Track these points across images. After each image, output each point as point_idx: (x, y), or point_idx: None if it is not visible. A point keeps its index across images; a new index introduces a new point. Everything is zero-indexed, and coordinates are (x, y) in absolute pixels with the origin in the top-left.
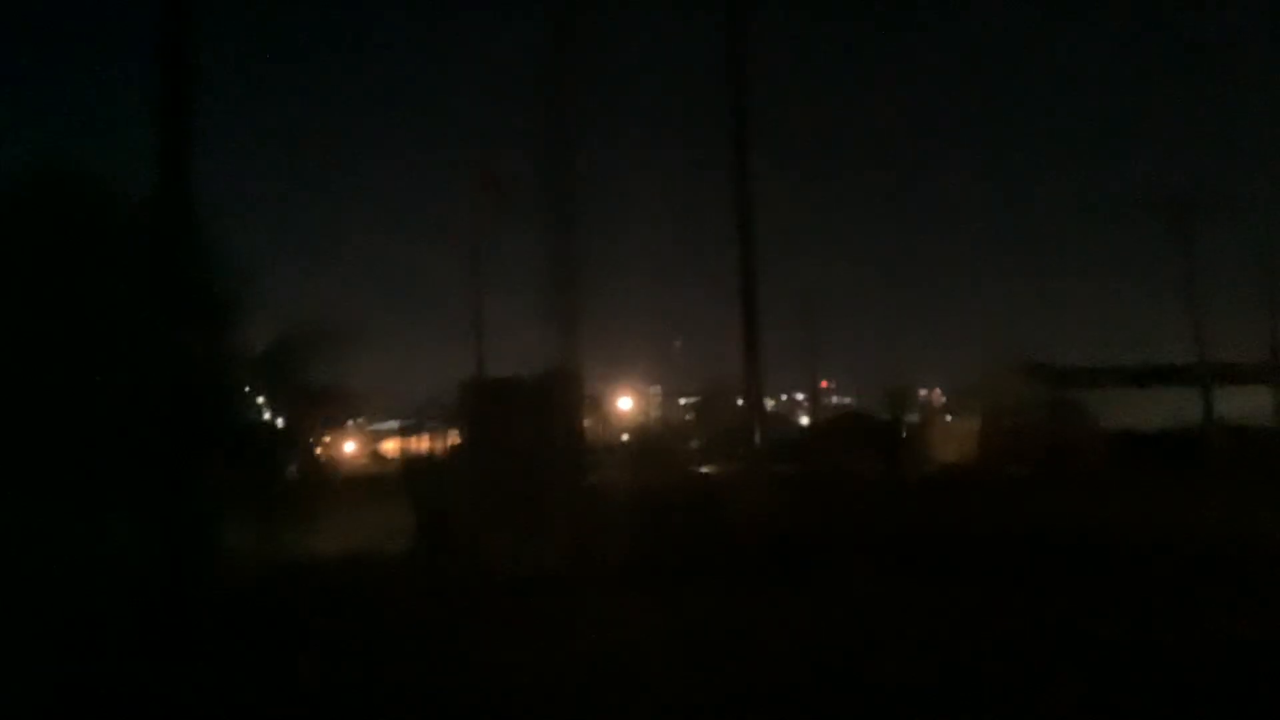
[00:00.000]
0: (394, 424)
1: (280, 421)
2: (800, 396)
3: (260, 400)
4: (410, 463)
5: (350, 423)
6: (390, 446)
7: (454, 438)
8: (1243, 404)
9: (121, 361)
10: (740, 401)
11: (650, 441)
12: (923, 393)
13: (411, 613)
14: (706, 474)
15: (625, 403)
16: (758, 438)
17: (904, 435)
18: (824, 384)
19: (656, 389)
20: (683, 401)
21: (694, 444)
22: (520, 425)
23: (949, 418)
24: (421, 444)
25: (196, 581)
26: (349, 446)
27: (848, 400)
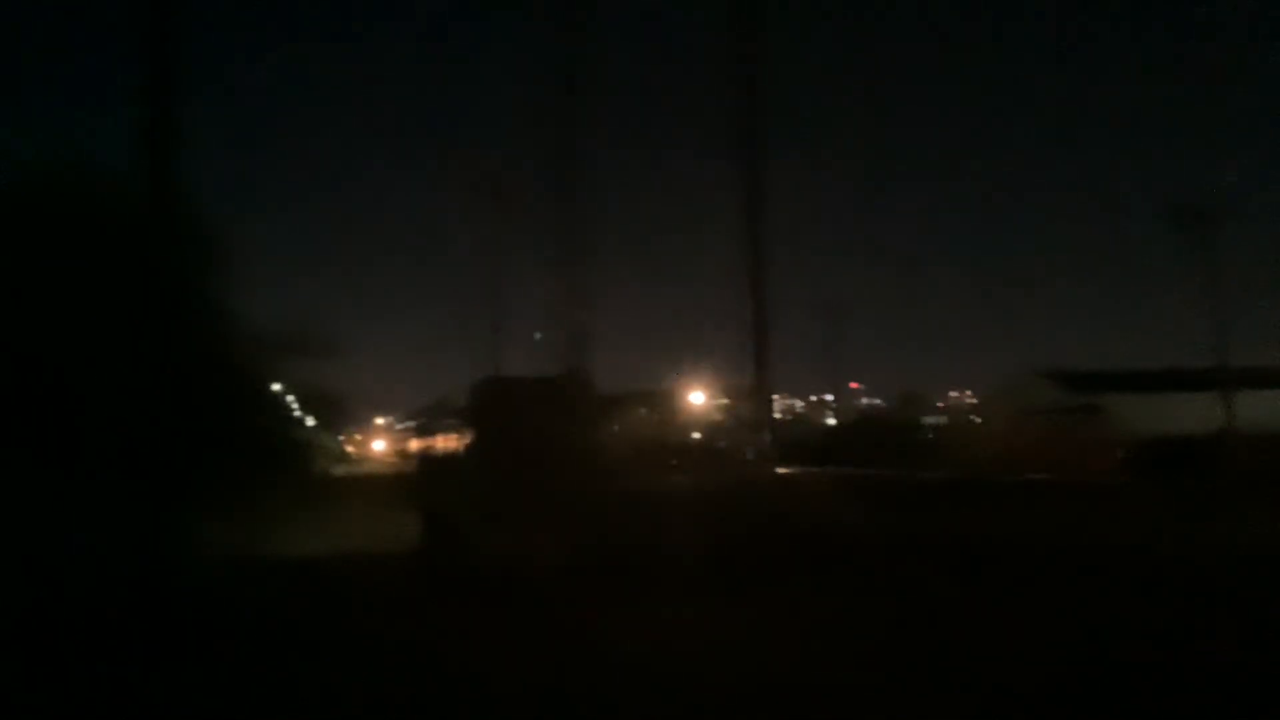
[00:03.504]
0: (412, 423)
1: (310, 421)
2: (829, 397)
3: (290, 400)
4: (421, 463)
5: (379, 421)
6: (416, 445)
7: (467, 437)
8: (1266, 408)
9: (112, 363)
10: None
11: (710, 442)
12: (953, 394)
13: (402, 616)
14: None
15: (697, 398)
16: (767, 439)
17: (926, 438)
18: (854, 385)
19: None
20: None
21: (721, 444)
22: (529, 426)
23: (975, 419)
24: (444, 443)
25: (189, 582)
26: (379, 445)
27: (877, 401)
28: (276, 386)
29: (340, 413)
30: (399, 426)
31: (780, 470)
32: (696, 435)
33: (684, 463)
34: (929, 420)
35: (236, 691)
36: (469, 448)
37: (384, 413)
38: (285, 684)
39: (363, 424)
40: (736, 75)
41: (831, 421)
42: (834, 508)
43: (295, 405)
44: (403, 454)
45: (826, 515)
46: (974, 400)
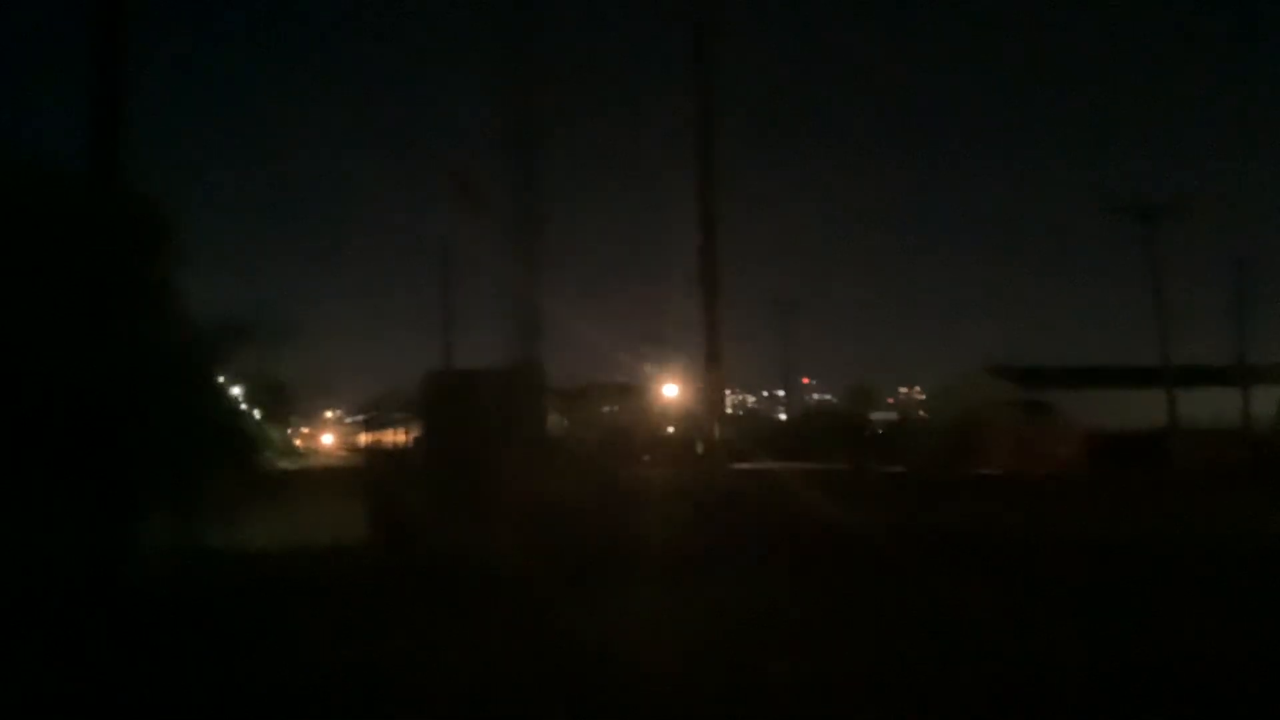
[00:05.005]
0: (362, 417)
1: (257, 414)
2: (780, 392)
3: (236, 392)
4: (370, 456)
5: (327, 415)
6: (365, 438)
7: (415, 430)
8: (1210, 405)
9: (53, 353)
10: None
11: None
12: (902, 390)
13: (344, 607)
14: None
15: (671, 390)
16: (717, 433)
17: (875, 433)
18: (805, 380)
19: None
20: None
21: (678, 438)
22: (479, 418)
23: (922, 414)
24: (393, 437)
25: (126, 580)
26: (327, 439)
27: (828, 396)
28: (222, 378)
29: (288, 406)
30: (348, 420)
31: (733, 465)
32: (671, 429)
33: (656, 456)
34: (879, 416)
35: (184, 688)
36: (418, 440)
37: (332, 406)
38: (234, 679)
39: (311, 417)
40: (693, 77)
41: (782, 417)
42: (784, 502)
43: (242, 398)
44: (352, 448)
45: (777, 509)
46: (923, 396)
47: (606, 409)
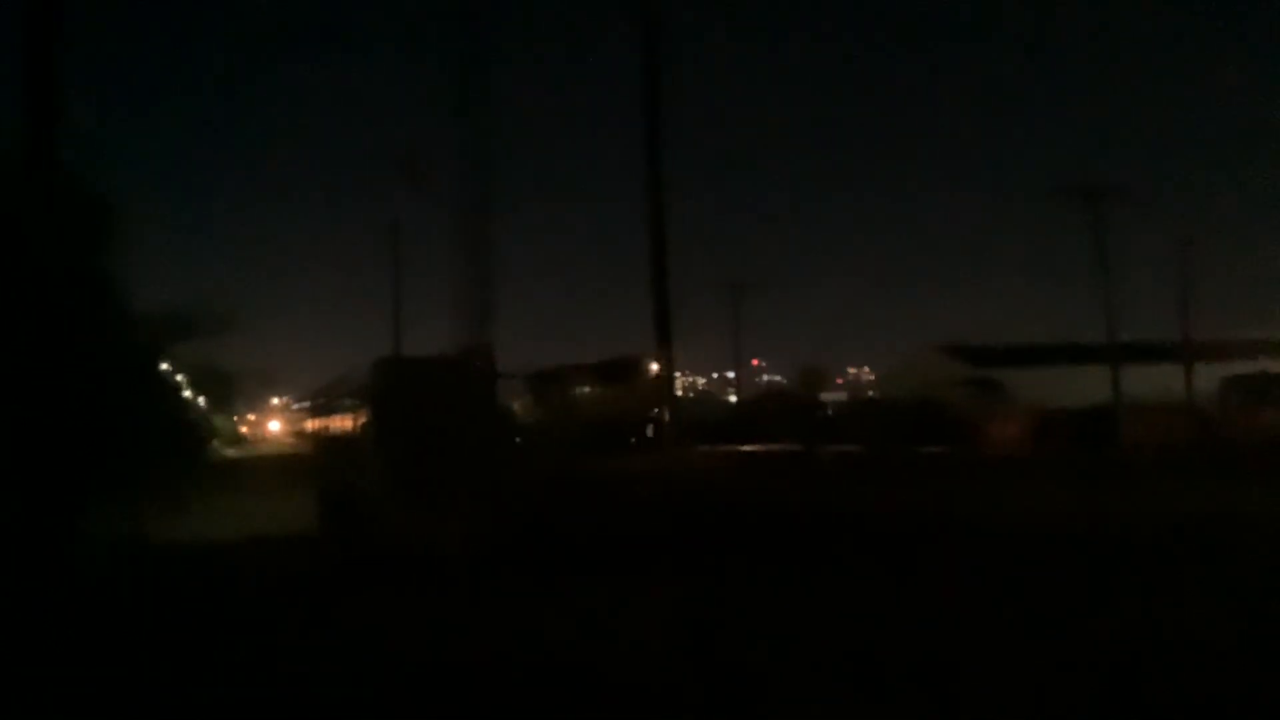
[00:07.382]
0: (309, 403)
1: (202, 402)
2: (731, 374)
3: (180, 379)
4: (320, 442)
5: (274, 401)
6: (312, 425)
7: (363, 417)
8: (1155, 382)
9: None
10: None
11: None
12: (852, 370)
13: (291, 599)
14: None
15: (653, 368)
16: (667, 416)
17: (826, 414)
18: (755, 362)
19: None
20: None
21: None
22: (428, 405)
23: (870, 394)
24: (340, 423)
25: (79, 573)
26: (274, 425)
27: (778, 378)
28: (165, 366)
29: (234, 392)
30: (295, 406)
31: (684, 449)
32: (656, 410)
33: (639, 439)
34: (829, 396)
35: (129, 685)
36: (366, 428)
37: (279, 392)
38: (181, 673)
39: (257, 404)
40: (642, 64)
41: (733, 399)
42: (742, 485)
43: (186, 386)
44: (299, 434)
45: (737, 493)
46: (872, 376)
47: (582, 390)
